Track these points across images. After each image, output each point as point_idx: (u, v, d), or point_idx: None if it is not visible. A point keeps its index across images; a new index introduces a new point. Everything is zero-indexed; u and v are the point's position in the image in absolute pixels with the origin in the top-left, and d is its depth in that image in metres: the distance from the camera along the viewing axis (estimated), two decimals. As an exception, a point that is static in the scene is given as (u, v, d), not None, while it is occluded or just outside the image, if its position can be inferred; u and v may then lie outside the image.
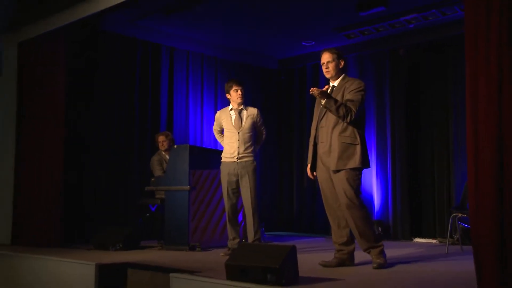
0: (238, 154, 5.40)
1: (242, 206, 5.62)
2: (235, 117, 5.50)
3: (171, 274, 3.98)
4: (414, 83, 7.51)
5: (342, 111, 4.22)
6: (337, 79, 4.48)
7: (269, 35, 7.70)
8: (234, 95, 5.50)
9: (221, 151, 5.64)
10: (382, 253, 4.32)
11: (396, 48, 7.49)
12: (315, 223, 8.26)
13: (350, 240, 4.43)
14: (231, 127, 5.49)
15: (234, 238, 5.46)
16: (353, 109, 4.25)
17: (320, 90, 4.23)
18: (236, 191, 5.47)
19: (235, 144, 5.43)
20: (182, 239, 5.79)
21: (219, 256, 5.25)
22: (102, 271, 4.60)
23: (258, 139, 5.63)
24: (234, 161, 5.41)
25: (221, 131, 5.66)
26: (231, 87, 5.52)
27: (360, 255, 4.53)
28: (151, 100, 7.50)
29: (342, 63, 4.48)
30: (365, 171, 4.68)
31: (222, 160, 5.52)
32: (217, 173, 5.96)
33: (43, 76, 6.64)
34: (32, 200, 6.50)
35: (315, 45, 8.00)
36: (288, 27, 7.30)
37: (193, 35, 7.72)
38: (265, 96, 8.85)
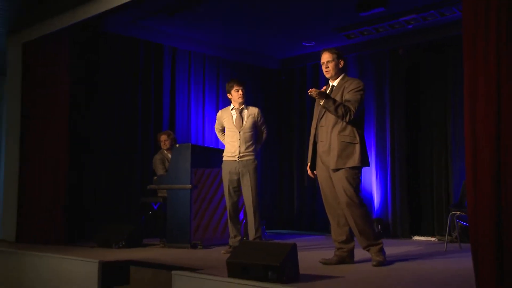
0: (239, 153, 5.45)
1: (243, 204, 5.66)
2: (236, 116, 5.55)
3: (173, 272, 4.01)
4: (413, 83, 7.54)
5: (340, 110, 4.25)
6: (337, 78, 4.51)
7: (269, 35, 7.72)
8: (235, 94, 5.55)
9: (222, 150, 5.69)
10: (381, 251, 4.34)
11: (396, 48, 7.51)
12: (316, 222, 8.29)
13: (350, 238, 4.45)
14: (232, 127, 5.53)
15: (235, 236, 5.50)
16: (352, 108, 4.27)
17: (318, 90, 4.25)
18: (237, 189, 5.52)
19: (236, 143, 5.48)
20: (184, 237, 5.83)
21: (220, 254, 5.28)
22: (105, 268, 4.65)
23: (259, 138, 5.67)
24: (235, 160, 5.46)
25: (223, 130, 5.71)
26: (232, 87, 5.57)
27: (359, 253, 4.55)
28: (154, 99, 7.53)
29: (342, 63, 4.50)
30: (365, 170, 4.70)
31: (224, 159, 5.56)
32: (218, 171, 6.01)
33: (47, 77, 6.67)
34: (36, 199, 6.54)
35: (316, 45, 8.02)
36: (289, 27, 7.32)
37: (194, 35, 7.74)
38: (266, 96, 8.88)
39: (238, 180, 5.47)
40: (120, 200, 7.00)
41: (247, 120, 5.54)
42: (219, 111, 5.81)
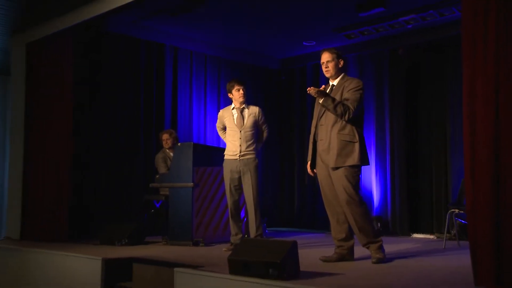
0: (240, 152, 5.50)
1: (244, 202, 5.70)
2: (237, 115, 5.60)
3: (175, 269, 4.03)
4: (413, 82, 7.56)
5: (339, 109, 4.28)
6: (337, 78, 4.53)
7: (270, 35, 7.74)
8: (236, 94, 5.60)
9: (223, 149, 5.72)
10: (381, 248, 4.37)
11: (396, 48, 7.54)
12: (316, 220, 8.32)
13: (350, 235, 4.48)
14: (233, 126, 5.58)
15: (236, 234, 5.54)
16: (351, 107, 4.30)
17: (317, 89, 4.27)
18: (238, 188, 5.56)
19: (237, 142, 5.52)
20: (186, 235, 5.86)
21: (222, 251, 5.32)
22: (108, 265, 4.69)
23: (260, 137, 5.71)
24: (237, 159, 5.50)
25: (224, 128, 5.74)
26: (233, 87, 5.61)
27: (359, 250, 4.57)
28: (156, 99, 7.56)
29: (342, 62, 4.53)
30: (364, 168, 4.73)
31: (225, 157, 5.60)
32: (220, 170, 6.05)
33: (51, 77, 6.69)
34: (39, 199, 6.57)
35: (316, 45, 8.04)
36: (289, 27, 7.35)
37: (195, 35, 7.77)
38: (266, 96, 8.90)
39: (239, 179, 5.52)
40: (123, 199, 7.03)
41: (248, 119, 5.58)
42: (221, 110, 5.87)
